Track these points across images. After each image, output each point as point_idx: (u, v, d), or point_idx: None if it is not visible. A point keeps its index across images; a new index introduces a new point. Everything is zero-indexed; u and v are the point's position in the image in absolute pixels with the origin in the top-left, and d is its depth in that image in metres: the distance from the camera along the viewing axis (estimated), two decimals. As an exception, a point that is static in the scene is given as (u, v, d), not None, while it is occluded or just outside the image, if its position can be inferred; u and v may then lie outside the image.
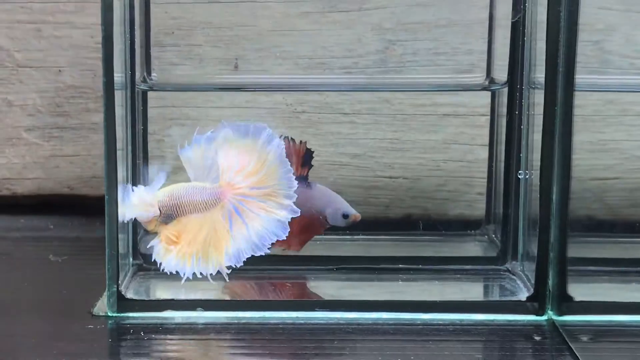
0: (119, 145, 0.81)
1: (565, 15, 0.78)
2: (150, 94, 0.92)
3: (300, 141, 0.85)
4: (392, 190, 0.99)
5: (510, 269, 0.89)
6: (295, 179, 0.81)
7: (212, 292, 0.83)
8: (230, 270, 0.80)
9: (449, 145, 0.98)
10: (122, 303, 0.80)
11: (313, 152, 0.86)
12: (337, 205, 0.88)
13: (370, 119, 0.97)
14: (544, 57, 0.80)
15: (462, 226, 0.95)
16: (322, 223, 0.87)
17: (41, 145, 1.09)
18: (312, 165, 0.86)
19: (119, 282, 0.81)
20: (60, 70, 1.07)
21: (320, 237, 0.91)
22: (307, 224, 0.86)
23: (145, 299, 0.82)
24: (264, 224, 0.80)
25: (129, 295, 0.82)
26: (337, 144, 0.97)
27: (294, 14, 0.96)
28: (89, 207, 1.06)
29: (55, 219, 1.07)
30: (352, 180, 0.99)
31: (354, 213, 0.88)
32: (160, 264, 0.80)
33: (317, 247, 0.91)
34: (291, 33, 0.95)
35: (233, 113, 0.98)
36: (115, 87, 0.79)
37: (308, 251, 0.89)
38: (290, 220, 0.80)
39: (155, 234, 0.81)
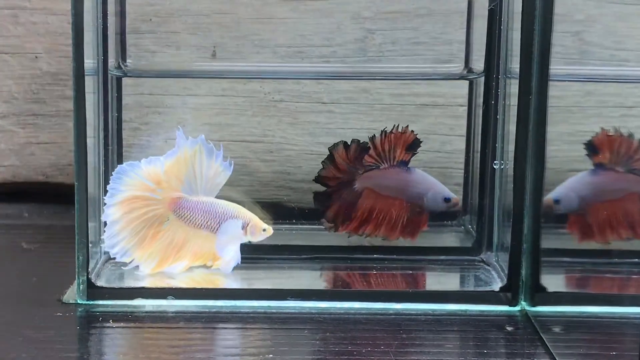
0: (90, 132, 0.80)
1: (541, 4, 0.78)
2: (127, 82, 0.91)
3: (411, 130, 0.87)
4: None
5: (485, 259, 0.89)
6: (397, 164, 0.86)
7: (182, 280, 0.82)
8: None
9: (428, 136, 0.97)
10: (92, 291, 0.80)
11: (421, 141, 0.88)
12: (438, 189, 0.88)
13: (348, 108, 0.97)
14: (519, 46, 0.79)
15: (439, 217, 0.95)
16: (418, 207, 0.88)
17: (16, 132, 1.08)
18: (416, 152, 0.88)
19: (90, 269, 0.80)
20: (36, 57, 1.06)
21: (295, 226, 0.91)
22: (404, 207, 0.88)
23: (116, 286, 0.81)
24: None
25: (99, 283, 0.81)
26: (314, 134, 0.97)
27: (272, 1, 0.95)
28: (63, 195, 1.05)
29: (30, 206, 1.06)
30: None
31: (455, 197, 0.88)
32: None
33: (294, 236, 0.91)
34: (269, 21, 0.95)
35: (210, 101, 0.97)
36: (86, 73, 0.78)
37: (283, 240, 0.89)
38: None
39: None
